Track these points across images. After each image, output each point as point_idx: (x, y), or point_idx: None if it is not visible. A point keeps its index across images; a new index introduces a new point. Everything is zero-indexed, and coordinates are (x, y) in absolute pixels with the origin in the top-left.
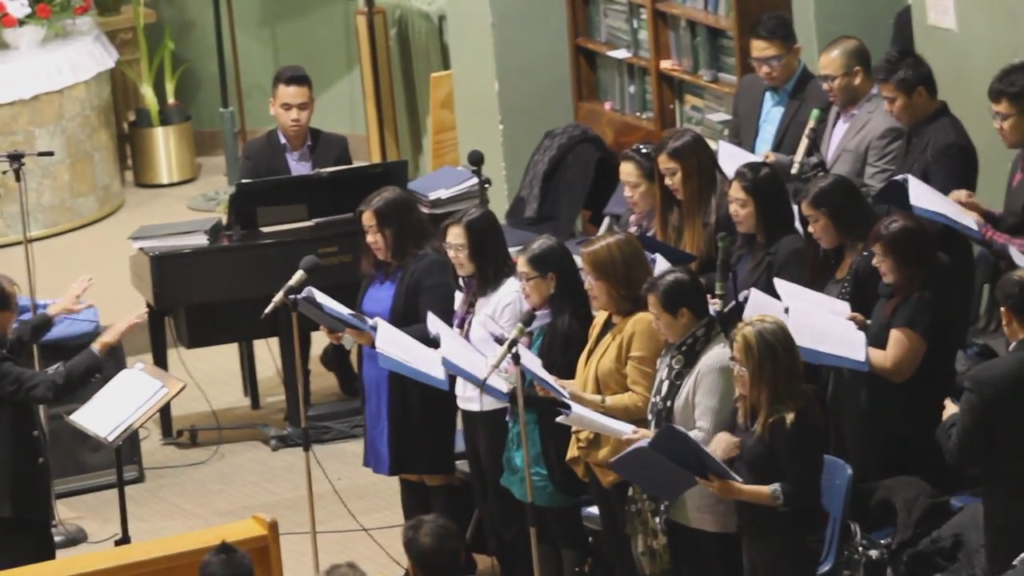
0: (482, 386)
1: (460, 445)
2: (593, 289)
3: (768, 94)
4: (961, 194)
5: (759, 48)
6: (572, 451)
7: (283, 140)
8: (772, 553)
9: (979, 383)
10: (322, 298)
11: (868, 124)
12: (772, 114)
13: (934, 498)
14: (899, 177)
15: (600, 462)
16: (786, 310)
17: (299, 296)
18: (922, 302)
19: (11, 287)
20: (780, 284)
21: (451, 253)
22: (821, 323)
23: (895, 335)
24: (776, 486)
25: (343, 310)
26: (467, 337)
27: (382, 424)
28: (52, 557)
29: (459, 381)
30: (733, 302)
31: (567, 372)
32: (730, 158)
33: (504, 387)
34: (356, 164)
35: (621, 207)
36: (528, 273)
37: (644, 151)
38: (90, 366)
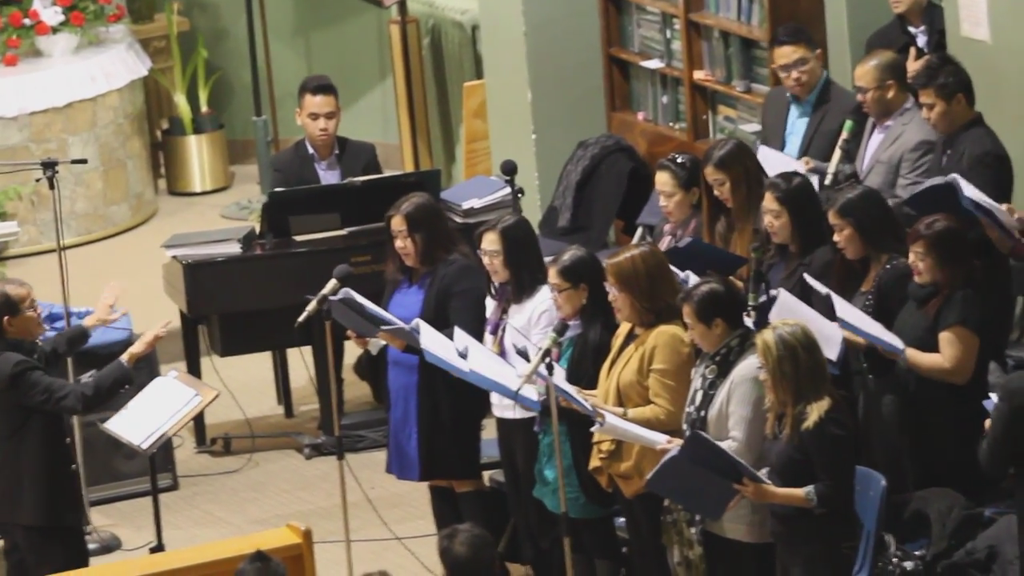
0: (515, 397)
1: (492, 453)
2: (616, 301)
3: (792, 106)
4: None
5: (785, 54)
6: (594, 461)
7: (311, 150)
8: (807, 559)
9: (1009, 392)
10: (361, 299)
11: (902, 136)
12: (797, 125)
13: (968, 509)
14: (942, 179)
15: (622, 473)
16: (828, 295)
17: (336, 297)
18: (968, 298)
19: (17, 290)
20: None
21: (486, 260)
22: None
23: (948, 336)
24: (810, 488)
25: (384, 313)
26: (501, 343)
27: (410, 430)
28: (86, 564)
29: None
30: (764, 297)
31: (596, 383)
32: (770, 161)
33: (535, 396)
34: (389, 173)
35: (654, 217)
36: (560, 284)
37: (679, 160)
38: (119, 378)
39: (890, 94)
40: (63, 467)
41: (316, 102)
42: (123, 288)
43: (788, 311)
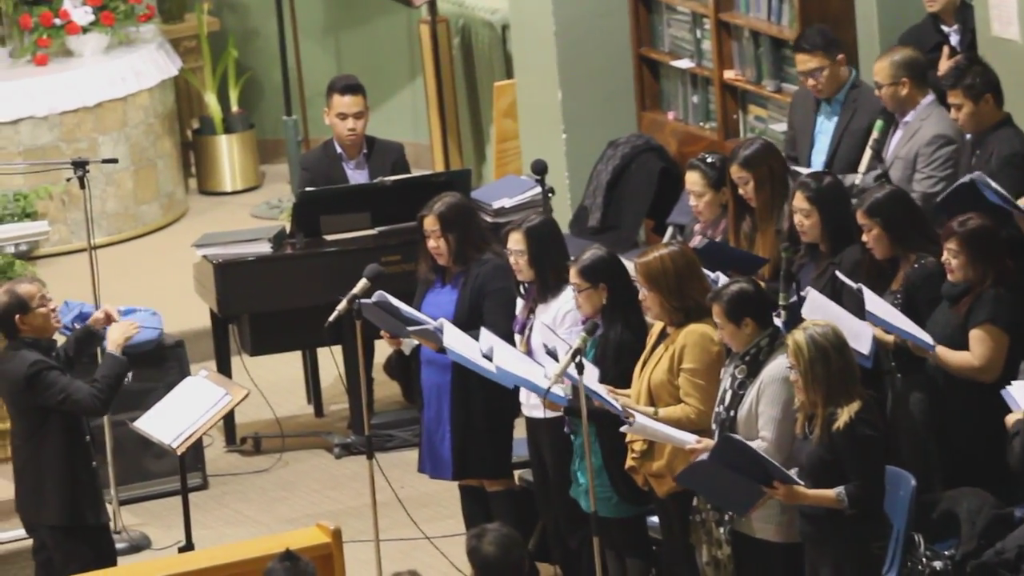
0: (544, 395)
1: (523, 452)
2: (646, 300)
3: (822, 105)
4: None
5: (802, 61)
6: (628, 461)
7: (339, 149)
8: (836, 559)
9: None
10: (395, 301)
11: (919, 132)
12: (825, 126)
13: (998, 509)
14: (967, 177)
15: (654, 472)
16: (859, 288)
17: (371, 300)
18: (999, 297)
19: (27, 288)
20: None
21: (512, 259)
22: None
23: (977, 334)
24: (841, 488)
25: (418, 314)
26: (528, 342)
27: (443, 429)
28: (113, 562)
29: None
30: (795, 298)
31: (621, 382)
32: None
33: (563, 393)
34: (419, 173)
35: (684, 217)
36: (580, 284)
37: (709, 160)
38: (119, 371)
39: (904, 91)
40: (84, 466)
41: (344, 102)
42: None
43: (818, 310)
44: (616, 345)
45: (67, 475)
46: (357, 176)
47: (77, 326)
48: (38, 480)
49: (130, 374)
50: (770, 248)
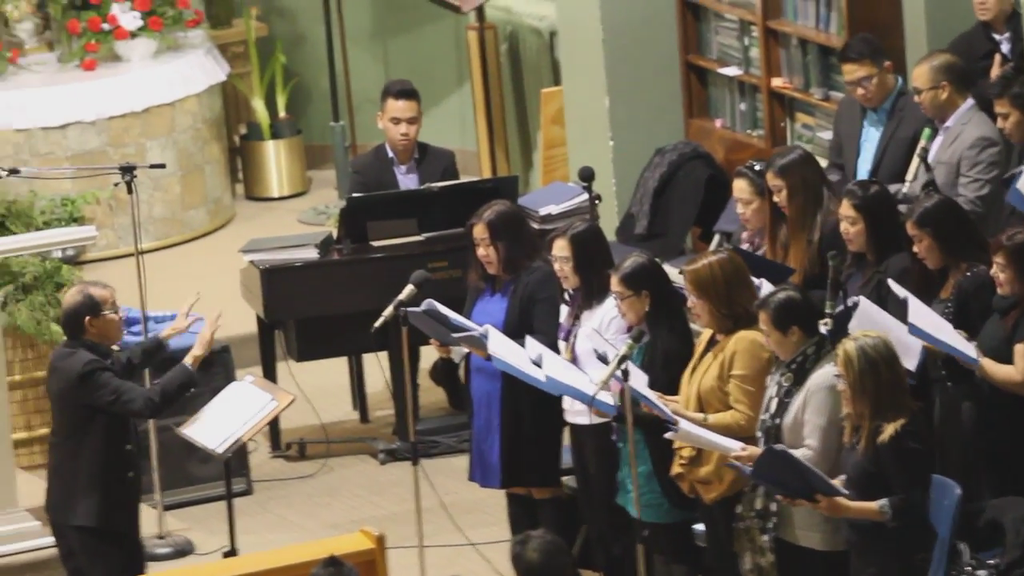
0: (591, 403)
1: (567, 460)
2: (695, 307)
3: (868, 113)
4: None
5: (849, 71)
6: (675, 467)
7: (391, 154)
8: (879, 569)
9: None
10: (444, 310)
11: (961, 136)
12: (871, 134)
13: None
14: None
15: (701, 478)
16: (905, 300)
17: (420, 309)
18: None
19: (101, 292)
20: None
21: (556, 266)
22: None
23: (1022, 348)
24: (884, 501)
25: (468, 323)
26: (574, 350)
27: (492, 437)
28: (141, 571)
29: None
30: (842, 307)
31: (670, 388)
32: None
33: (611, 400)
34: (466, 179)
35: (731, 224)
36: (622, 292)
37: (757, 168)
38: (184, 381)
39: (944, 95)
40: (121, 472)
41: (399, 107)
42: (200, 296)
43: (869, 320)
44: (664, 352)
45: (101, 478)
46: (408, 181)
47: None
48: (71, 480)
49: (193, 388)
50: (801, 257)
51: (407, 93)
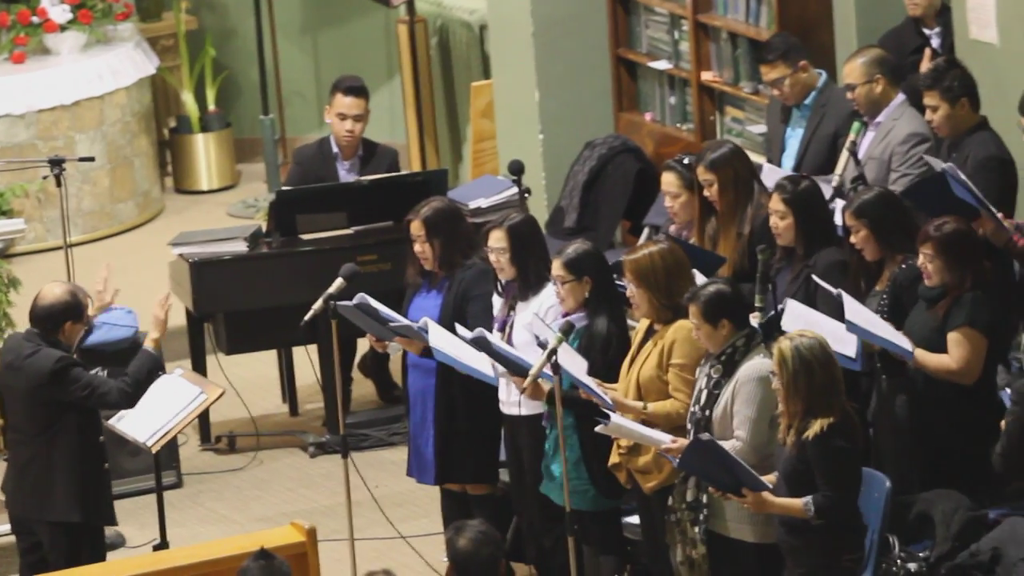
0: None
1: (503, 454)
2: (635, 297)
3: (793, 109)
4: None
5: (764, 73)
6: (614, 457)
7: (335, 149)
8: (808, 570)
9: (1022, 395)
10: (377, 304)
11: (892, 131)
12: (795, 130)
13: (973, 511)
14: (938, 166)
15: (640, 468)
16: (839, 295)
17: (351, 303)
18: (978, 300)
19: (85, 298)
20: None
21: (492, 257)
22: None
23: (956, 336)
24: (808, 498)
25: (400, 318)
26: (509, 341)
27: (427, 433)
28: (103, 559)
29: (502, 385)
30: (772, 312)
31: (607, 374)
32: (772, 178)
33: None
34: (395, 173)
35: (660, 218)
36: (563, 277)
37: (685, 162)
38: (152, 367)
39: (879, 89)
40: (98, 463)
41: (346, 103)
42: (111, 269)
43: (799, 319)
44: (603, 337)
45: (78, 472)
46: (349, 177)
47: None
48: (46, 476)
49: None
50: (730, 251)
51: (356, 90)
